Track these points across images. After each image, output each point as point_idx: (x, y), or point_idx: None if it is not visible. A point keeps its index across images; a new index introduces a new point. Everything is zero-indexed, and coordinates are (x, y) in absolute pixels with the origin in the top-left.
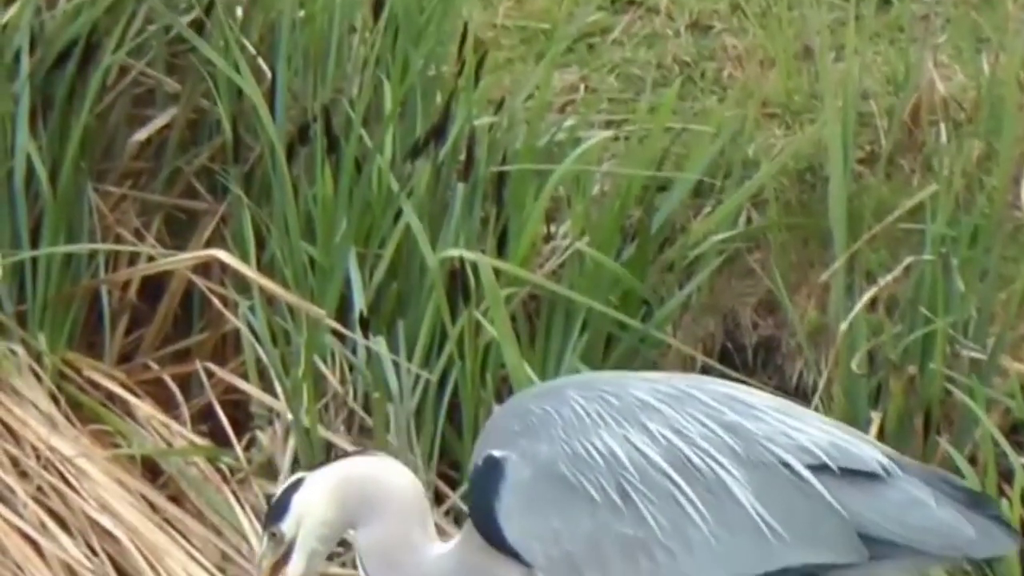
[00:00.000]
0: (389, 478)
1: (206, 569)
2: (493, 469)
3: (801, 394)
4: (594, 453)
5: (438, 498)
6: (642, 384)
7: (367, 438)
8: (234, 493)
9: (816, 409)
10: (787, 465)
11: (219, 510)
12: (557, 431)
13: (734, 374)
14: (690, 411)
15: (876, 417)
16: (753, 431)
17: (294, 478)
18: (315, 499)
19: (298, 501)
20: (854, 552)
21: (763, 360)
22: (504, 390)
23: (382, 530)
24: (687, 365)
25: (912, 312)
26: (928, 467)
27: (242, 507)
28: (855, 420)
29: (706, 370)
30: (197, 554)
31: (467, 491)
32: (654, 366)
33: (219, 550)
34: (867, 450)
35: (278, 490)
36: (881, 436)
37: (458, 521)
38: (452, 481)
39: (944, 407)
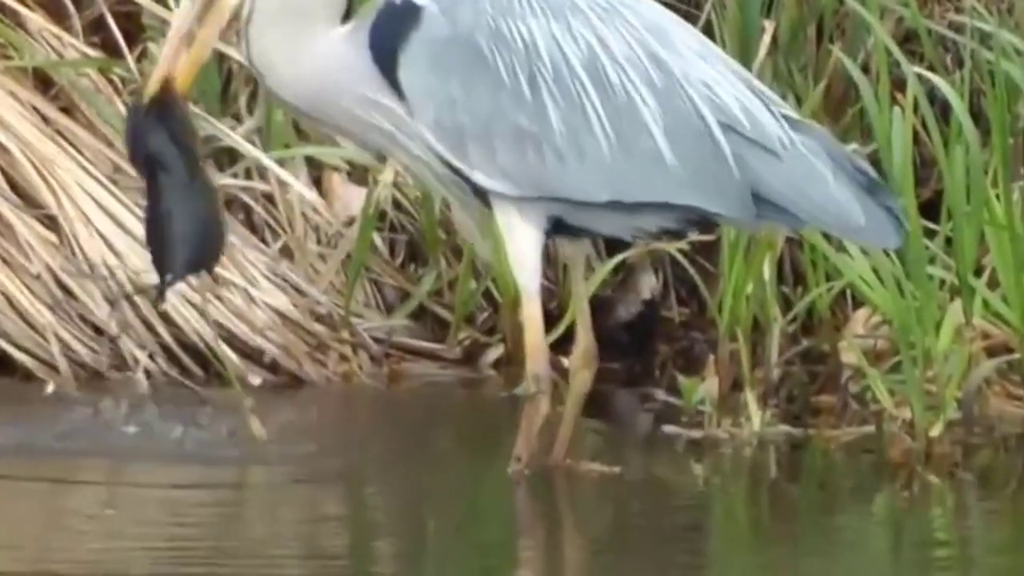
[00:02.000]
0: None
1: (97, 180)
2: (409, 14)
3: (695, 4)
4: (516, 37)
5: None
6: None
7: None
8: (125, 104)
9: (709, 20)
10: (701, 116)
11: (111, 121)
12: (485, 2)
13: None
14: (619, 28)
15: (769, 26)
16: (674, 71)
17: None
18: None
19: None
20: (743, 208)
21: None
22: None
23: None
24: None
25: None
26: (837, 143)
27: None
28: (748, 29)
29: None
30: (88, 165)
31: (371, 31)
32: None
33: (111, 161)
34: (772, 123)
35: None
36: (775, 45)
37: None
38: None
39: (837, 16)
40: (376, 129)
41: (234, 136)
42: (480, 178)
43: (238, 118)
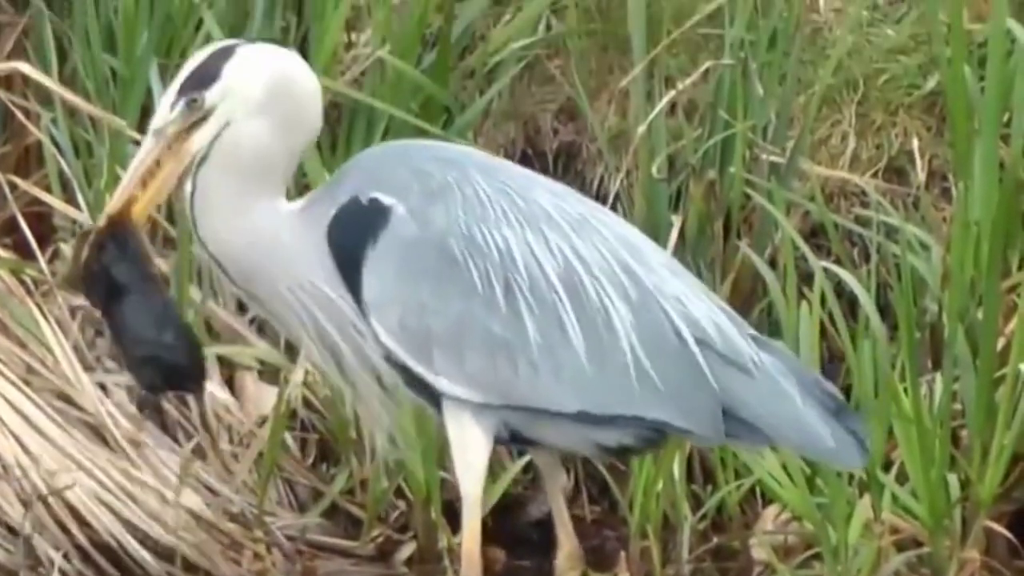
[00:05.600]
0: (314, 96)
1: (11, 381)
2: (376, 213)
3: (602, 199)
4: (491, 245)
5: (241, 307)
6: (546, 195)
7: (171, 248)
8: (38, 306)
9: (618, 213)
10: (677, 330)
11: (23, 323)
12: (456, 207)
13: None
14: (593, 240)
15: (676, 221)
16: (647, 283)
17: (220, 45)
18: (251, 72)
19: (232, 70)
20: (713, 428)
21: (564, 166)
22: None
23: (267, 136)
24: None
25: (712, 116)
26: (802, 364)
27: (46, 319)
28: (656, 224)
29: None
30: (1, 366)
31: (330, 226)
32: None
33: (24, 363)
34: (742, 341)
35: (200, 56)
36: (682, 240)
37: (262, 330)
38: None
39: (744, 211)
40: (311, 318)
41: None
42: (444, 384)
43: None
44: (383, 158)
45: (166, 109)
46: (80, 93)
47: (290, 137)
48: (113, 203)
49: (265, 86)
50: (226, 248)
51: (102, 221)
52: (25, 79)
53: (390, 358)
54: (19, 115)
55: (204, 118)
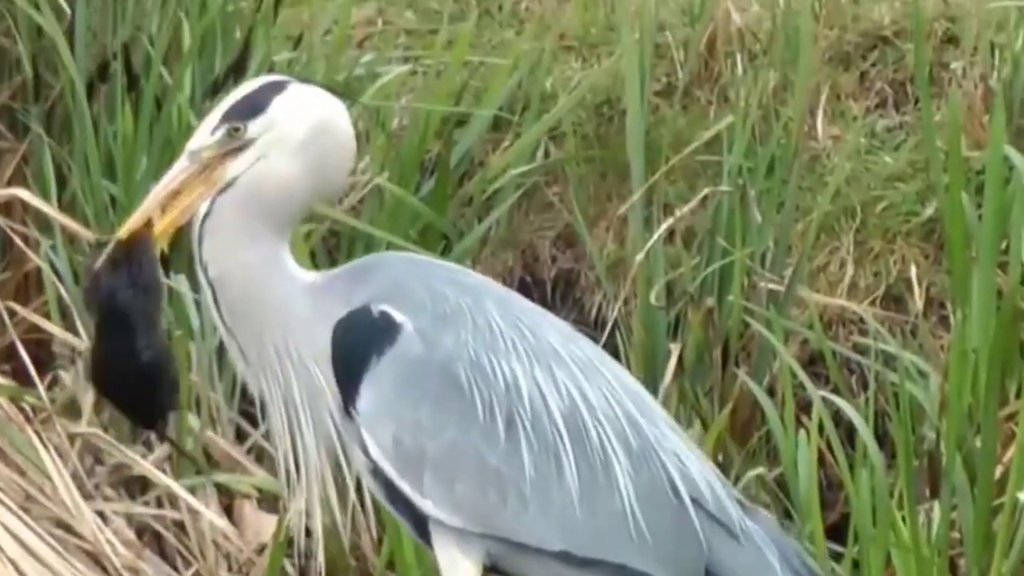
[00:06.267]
0: (350, 150)
1: (10, 509)
2: (385, 328)
3: (600, 327)
4: (499, 375)
5: (239, 435)
6: (556, 334)
7: None
8: (37, 433)
9: (615, 341)
10: (674, 486)
11: (22, 450)
12: (467, 333)
13: None
14: (599, 384)
15: (675, 349)
16: (648, 435)
17: (272, 78)
18: (298, 111)
19: (280, 105)
20: None
21: (562, 293)
22: None
23: (296, 177)
24: None
25: (710, 244)
26: (783, 532)
27: (45, 447)
28: (654, 352)
29: None
30: (0, 494)
31: (338, 328)
32: None
33: (23, 490)
34: (732, 504)
35: (249, 85)
36: (680, 367)
37: (260, 458)
38: (253, 419)
39: (742, 339)
40: (286, 386)
41: (145, 464)
42: (429, 507)
43: (149, 446)
44: (405, 271)
45: (206, 133)
46: (80, 220)
47: (318, 183)
48: (131, 222)
49: (310, 127)
50: (226, 276)
51: (115, 240)
52: (25, 206)
53: (376, 472)
54: (18, 242)
55: (242, 147)
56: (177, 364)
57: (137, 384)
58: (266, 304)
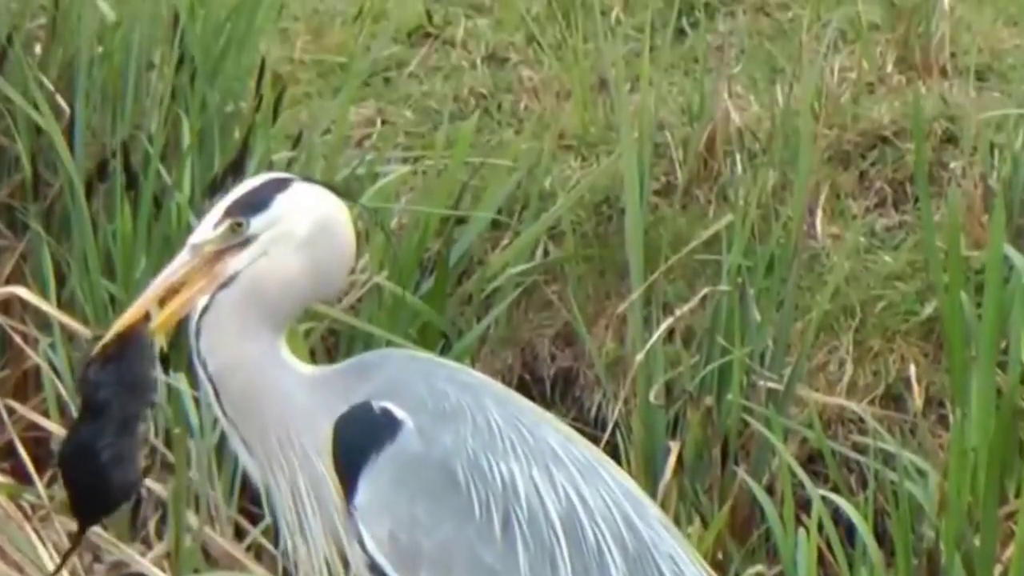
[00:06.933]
0: (350, 250)
1: None
2: (385, 425)
3: (599, 426)
4: (496, 473)
5: (238, 533)
6: (554, 434)
7: (168, 473)
8: (36, 531)
9: (614, 440)
10: None
11: (21, 548)
12: (466, 432)
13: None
14: (596, 485)
15: (674, 447)
16: (645, 537)
17: (275, 176)
18: (301, 209)
19: (283, 203)
20: None
21: (561, 392)
22: None
23: (297, 274)
24: None
25: (709, 342)
26: None
27: (44, 545)
28: (654, 450)
29: None
30: None
31: (339, 423)
32: None
33: None
34: None
35: (253, 181)
36: (680, 466)
37: (260, 556)
38: (252, 516)
39: (742, 437)
40: (291, 477)
41: (143, 561)
42: None
43: (147, 543)
44: (406, 368)
45: (208, 227)
46: (78, 318)
47: (318, 281)
48: (129, 314)
49: (312, 225)
50: (225, 370)
51: (112, 332)
52: (24, 303)
53: (374, 567)
54: (17, 339)
55: (244, 243)
56: (138, 471)
57: (88, 479)
58: (267, 396)
